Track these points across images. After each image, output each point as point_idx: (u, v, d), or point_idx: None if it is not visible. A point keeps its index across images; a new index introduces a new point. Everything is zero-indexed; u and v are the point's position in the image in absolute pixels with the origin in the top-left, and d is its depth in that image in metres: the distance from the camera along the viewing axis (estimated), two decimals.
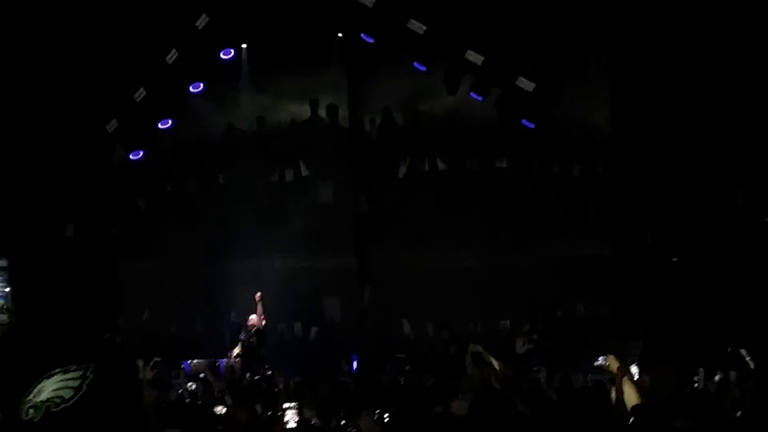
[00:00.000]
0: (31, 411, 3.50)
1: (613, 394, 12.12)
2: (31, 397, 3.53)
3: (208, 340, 21.65)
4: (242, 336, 20.11)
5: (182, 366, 20.36)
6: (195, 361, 20.57)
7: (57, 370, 3.55)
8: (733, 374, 15.23)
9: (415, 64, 21.57)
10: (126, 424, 3.59)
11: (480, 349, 15.04)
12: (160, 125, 22.23)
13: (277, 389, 16.35)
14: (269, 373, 19.17)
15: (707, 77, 20.58)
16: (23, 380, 3.54)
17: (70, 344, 3.67)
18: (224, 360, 20.49)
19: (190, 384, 18.65)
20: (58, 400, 3.53)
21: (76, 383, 3.56)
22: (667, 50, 20.80)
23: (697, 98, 20.75)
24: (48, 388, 3.53)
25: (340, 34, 22.46)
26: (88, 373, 3.60)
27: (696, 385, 15.12)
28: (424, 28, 20.85)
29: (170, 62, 21.43)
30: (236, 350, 20.12)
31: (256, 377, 18.98)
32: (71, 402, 3.53)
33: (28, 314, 20.35)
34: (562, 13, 20.82)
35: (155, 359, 19.57)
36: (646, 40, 20.95)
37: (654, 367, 15.60)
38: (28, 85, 20.89)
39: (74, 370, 3.58)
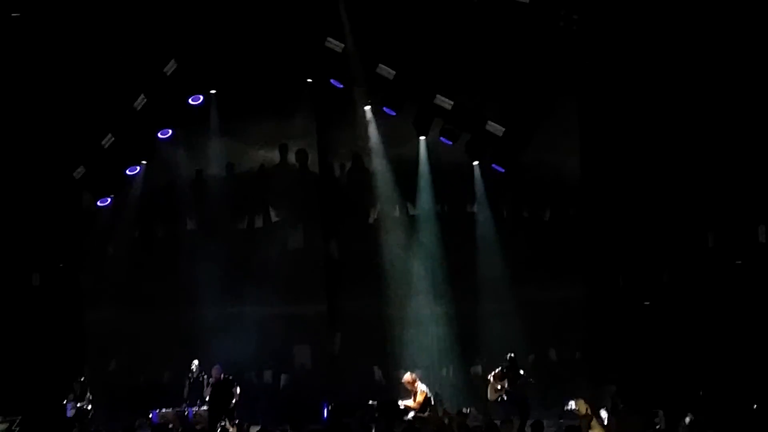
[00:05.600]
0: None
1: None
2: None
3: (176, 389, 21.30)
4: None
5: (150, 415, 20.07)
6: (163, 410, 20.27)
7: None
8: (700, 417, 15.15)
9: (385, 108, 21.54)
10: None
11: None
12: (128, 171, 22.04)
13: None
14: (237, 421, 18.90)
15: (675, 123, 20.72)
16: None
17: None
18: (193, 409, 20.20)
19: None
20: None
21: None
22: (636, 95, 20.94)
23: (665, 143, 20.86)
24: None
25: (309, 80, 22.40)
26: (14, 428, 3.34)
27: (657, 426, 15.01)
28: (394, 73, 20.86)
29: (138, 108, 21.30)
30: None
31: (225, 426, 18.71)
32: None
33: None
34: (533, 59, 20.91)
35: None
36: (615, 86, 21.09)
37: (619, 413, 15.62)
38: None
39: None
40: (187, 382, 20.44)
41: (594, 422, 11.71)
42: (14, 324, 21.04)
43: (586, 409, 11.94)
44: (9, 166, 21.06)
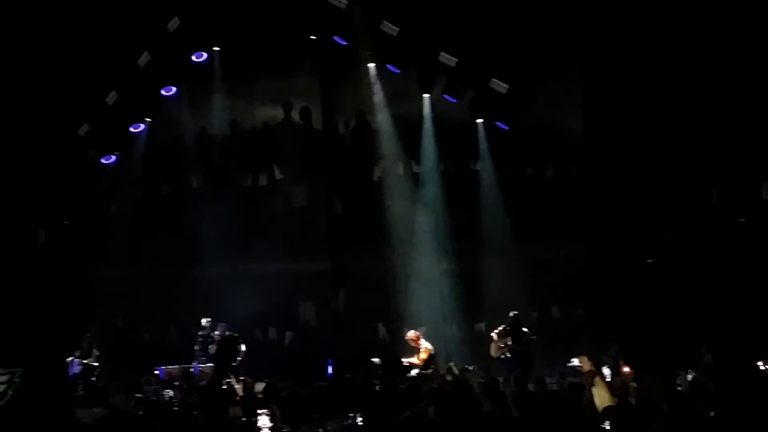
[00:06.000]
0: None
1: (586, 395, 12.10)
2: None
3: (182, 346, 21.45)
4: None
5: (156, 372, 20.20)
6: (169, 366, 20.41)
7: None
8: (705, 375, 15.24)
9: (389, 66, 21.48)
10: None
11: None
12: (132, 129, 22.04)
13: (251, 394, 16.25)
14: (242, 378, 19.01)
15: (678, 81, 20.65)
16: None
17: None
18: (198, 366, 20.34)
19: (166, 391, 18.55)
20: None
21: (0, 388, 3.38)
22: (640, 54, 20.85)
23: (668, 101, 20.80)
24: None
25: (313, 37, 22.32)
26: (15, 378, 3.42)
27: (679, 388, 15.09)
28: (397, 29, 20.77)
29: (142, 65, 21.26)
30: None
31: (231, 382, 18.83)
32: None
33: None
34: (536, 17, 20.81)
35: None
36: (619, 44, 20.99)
37: (640, 374, 15.67)
38: None
39: None
40: (198, 340, 20.54)
41: (597, 379, 11.76)
42: (21, 281, 21.10)
43: (590, 366, 11.99)
44: (14, 124, 21.01)
